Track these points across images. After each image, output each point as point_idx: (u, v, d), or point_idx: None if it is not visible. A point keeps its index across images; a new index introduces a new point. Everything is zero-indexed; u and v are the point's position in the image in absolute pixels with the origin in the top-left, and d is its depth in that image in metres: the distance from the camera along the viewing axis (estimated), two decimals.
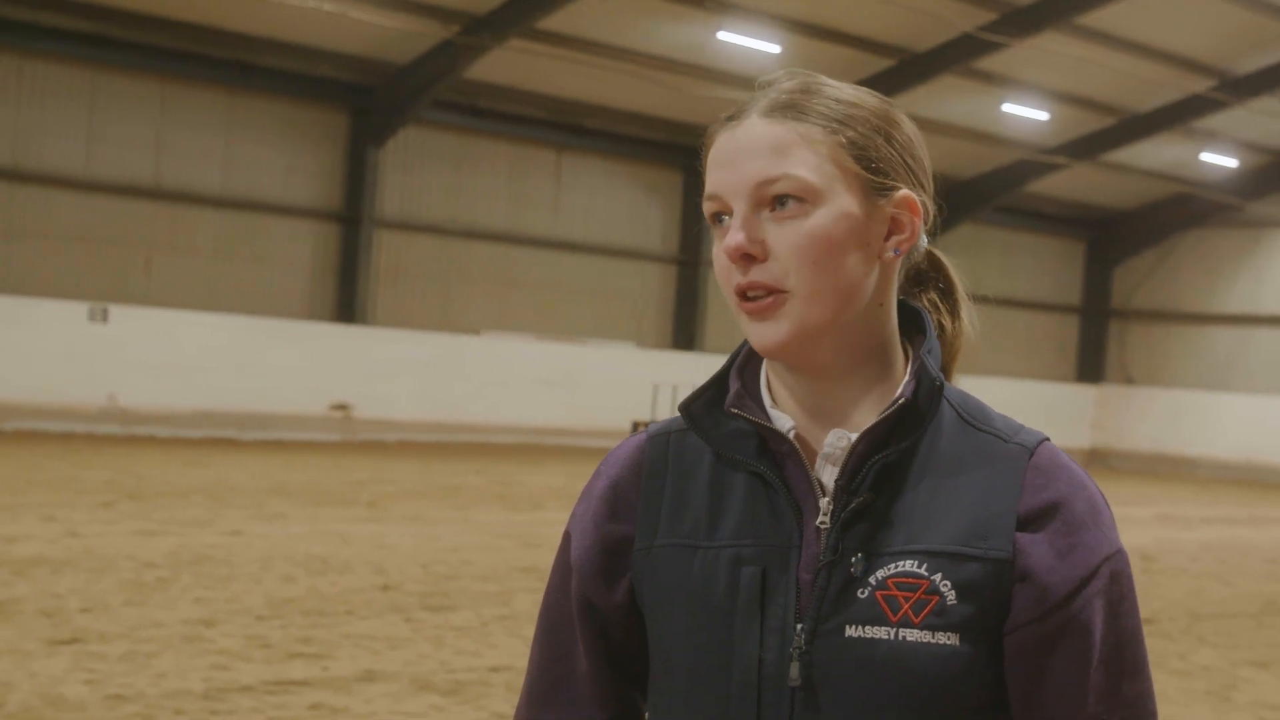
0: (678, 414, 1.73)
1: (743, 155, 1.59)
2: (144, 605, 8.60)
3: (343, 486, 16.34)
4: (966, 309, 1.83)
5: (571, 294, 27.75)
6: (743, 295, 1.58)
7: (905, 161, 1.65)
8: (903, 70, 26.09)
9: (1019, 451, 1.61)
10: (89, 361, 21.66)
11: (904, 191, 1.63)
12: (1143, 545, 15.64)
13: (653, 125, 27.96)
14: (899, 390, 1.61)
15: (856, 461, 1.59)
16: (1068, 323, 36.50)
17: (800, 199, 1.57)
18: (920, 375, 1.63)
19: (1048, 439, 1.65)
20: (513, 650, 8.13)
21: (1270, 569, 14.71)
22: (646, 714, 1.75)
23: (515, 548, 12.13)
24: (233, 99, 23.87)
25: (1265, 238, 34.24)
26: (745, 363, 1.71)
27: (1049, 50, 25.77)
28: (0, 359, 21.04)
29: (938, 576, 1.55)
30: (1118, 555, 1.61)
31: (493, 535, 12.93)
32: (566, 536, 1.74)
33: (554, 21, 23.25)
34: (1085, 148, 30.54)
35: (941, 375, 1.64)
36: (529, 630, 8.65)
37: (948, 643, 1.54)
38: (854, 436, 1.60)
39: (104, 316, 21.82)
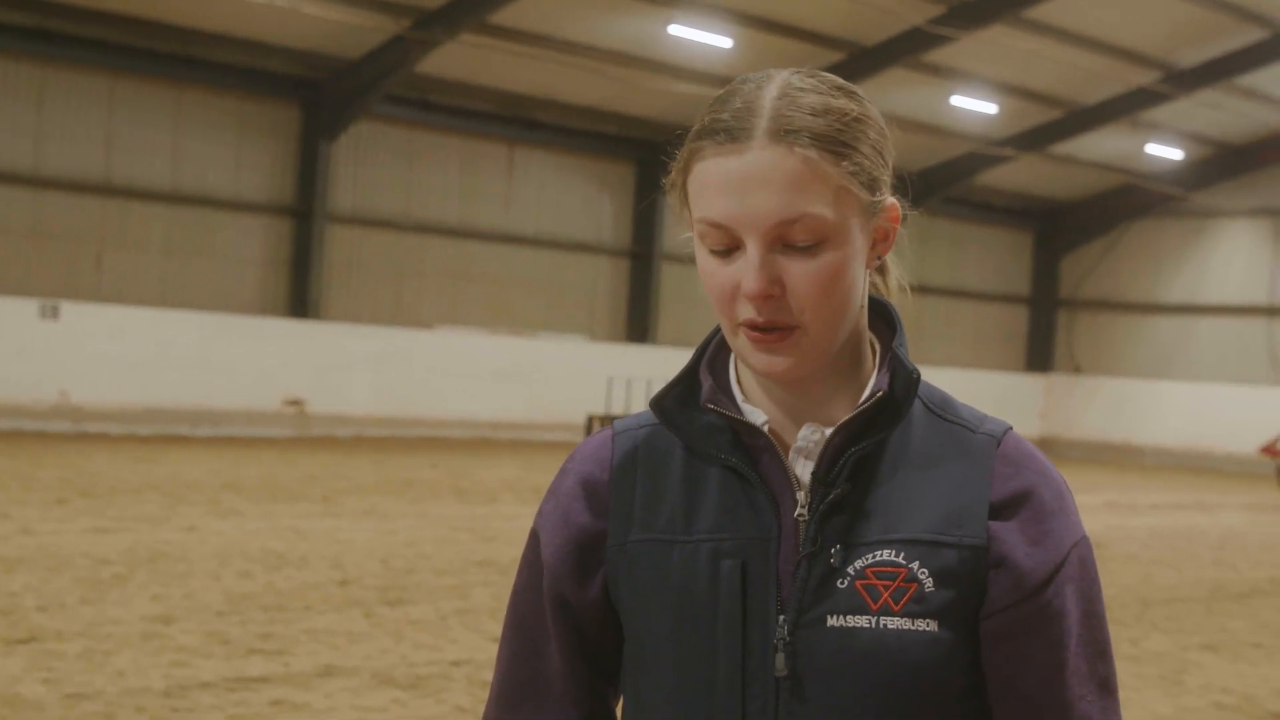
0: (644, 410, 1.76)
1: (755, 187, 1.55)
2: (101, 603, 8.58)
3: (297, 482, 16.30)
4: (896, 285, 1.86)
5: (524, 288, 27.74)
6: (751, 325, 1.58)
7: (890, 167, 1.66)
8: (852, 64, 26.21)
9: (987, 441, 1.65)
10: (40, 358, 21.50)
11: (891, 201, 1.65)
12: (1093, 532, 15.67)
13: (604, 119, 27.98)
14: (874, 383, 1.64)
15: (833, 454, 1.62)
16: (1016, 313, 36.78)
17: (817, 237, 1.56)
18: (895, 368, 1.66)
19: (1011, 428, 1.69)
20: (472, 644, 8.16)
21: (1217, 554, 14.92)
22: (620, 710, 1.75)
23: (472, 541, 12.15)
24: (182, 94, 23.72)
25: (1209, 228, 34.63)
26: (714, 357, 1.72)
27: (997, 43, 25.98)
28: None
29: (915, 564, 1.58)
30: (1084, 541, 1.66)
31: (449, 529, 12.94)
32: (535, 535, 1.74)
33: (505, 16, 23.23)
34: (1033, 140, 30.80)
35: (917, 368, 1.66)
36: (488, 624, 8.69)
37: (927, 629, 1.57)
38: (828, 430, 1.63)
39: (55, 313, 21.66)
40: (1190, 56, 27.80)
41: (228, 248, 24.32)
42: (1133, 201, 34.73)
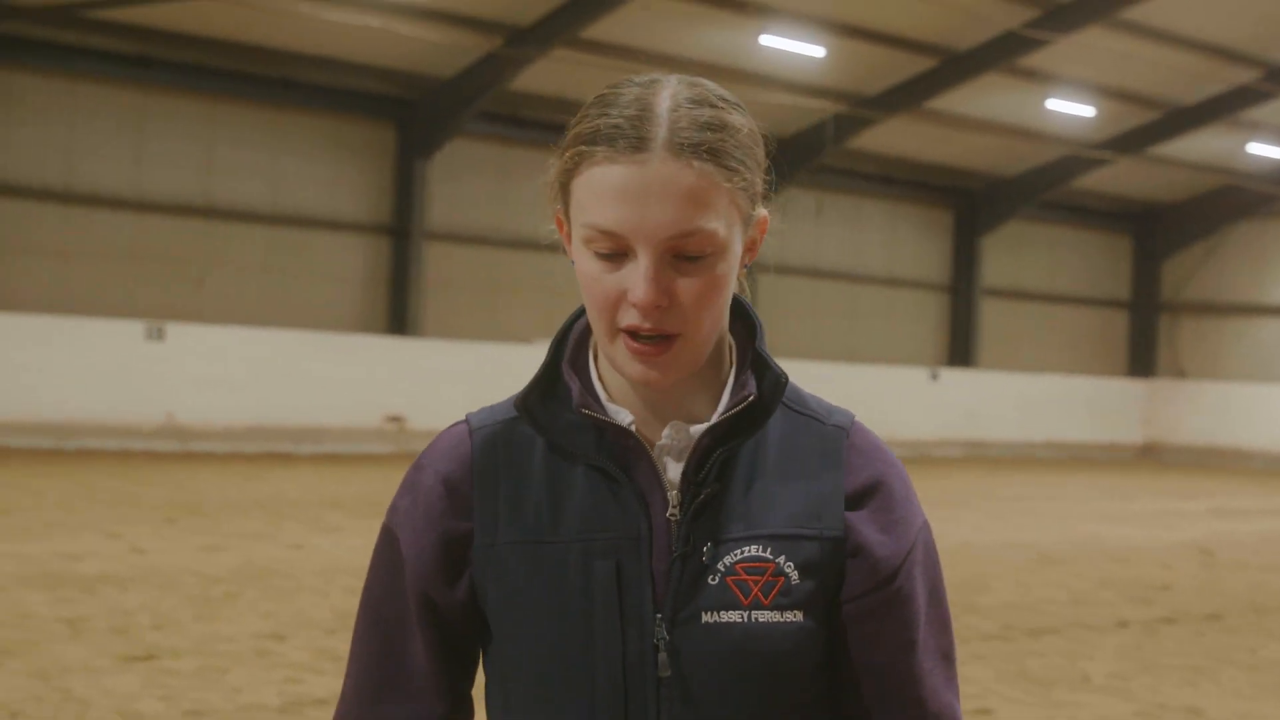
0: (495, 404, 1.77)
1: (653, 199, 1.55)
2: (213, 620, 8.69)
3: None
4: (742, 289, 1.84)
5: None
6: (632, 333, 1.59)
7: (767, 182, 1.69)
8: (945, 70, 26.05)
9: (837, 433, 1.72)
10: (146, 380, 21.87)
11: (764, 214, 1.69)
12: (1200, 539, 15.54)
13: None
14: (735, 383, 1.68)
15: (702, 454, 1.65)
16: (1116, 317, 36.27)
17: (709, 250, 1.58)
18: (761, 370, 1.70)
19: (855, 417, 1.76)
20: None
21: None
22: (487, 709, 1.76)
23: None
24: (279, 115, 24.06)
25: None
26: (574, 355, 1.73)
27: (1093, 45, 25.66)
28: (59, 379, 21.26)
29: (781, 558, 1.64)
30: (926, 525, 1.75)
31: None
32: (390, 532, 1.73)
33: (597, 30, 23.32)
34: (1131, 142, 30.38)
35: (784, 371, 1.70)
36: None
37: (794, 619, 1.63)
38: (693, 429, 1.66)
39: (160, 335, 22.03)
40: None
41: (326, 267, 24.62)
42: (1234, 202, 34.14)
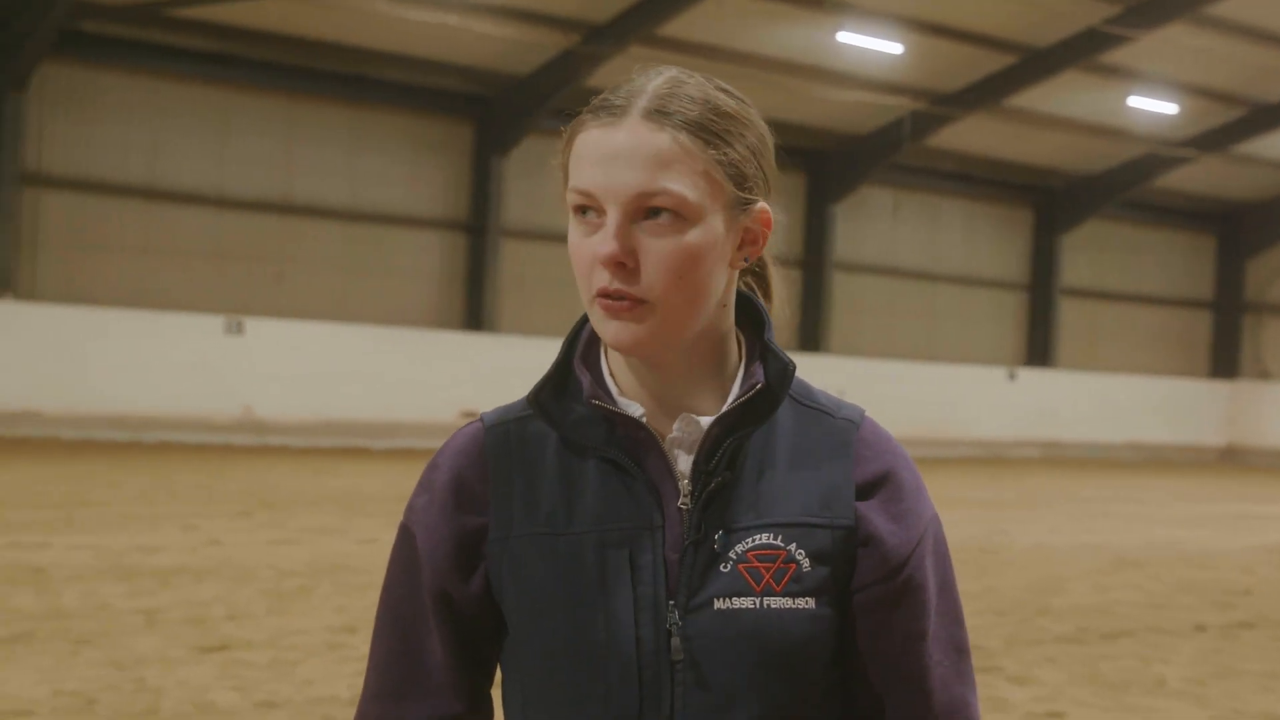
0: (509, 402, 1.82)
1: (622, 160, 1.61)
2: (286, 613, 8.76)
3: None
4: (778, 293, 1.88)
5: None
6: (603, 294, 1.63)
7: (765, 173, 1.71)
8: (1026, 66, 25.80)
9: (847, 425, 1.75)
10: (224, 374, 22.13)
11: (761, 205, 1.70)
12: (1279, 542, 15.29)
13: (774, 129, 27.68)
14: (745, 373, 1.72)
15: (712, 444, 1.68)
16: (1198, 318, 35.79)
17: (676, 214, 1.61)
18: (769, 359, 1.73)
19: (865, 411, 1.78)
20: None
21: None
22: (504, 702, 1.77)
23: None
24: (358, 113, 24.26)
25: None
26: (585, 351, 1.76)
27: (1176, 42, 25.33)
28: (139, 372, 21.56)
29: (793, 546, 1.67)
30: (936, 518, 1.77)
31: None
32: (407, 530, 1.76)
33: (674, 27, 23.31)
34: (1214, 140, 29.95)
35: (792, 360, 1.72)
36: None
37: (806, 606, 1.66)
38: (703, 420, 1.69)
39: (239, 329, 22.28)
40: None
41: (403, 263, 24.80)
42: None
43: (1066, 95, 27.17)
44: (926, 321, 31.56)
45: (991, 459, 30.15)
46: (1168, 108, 28.19)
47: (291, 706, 6.65)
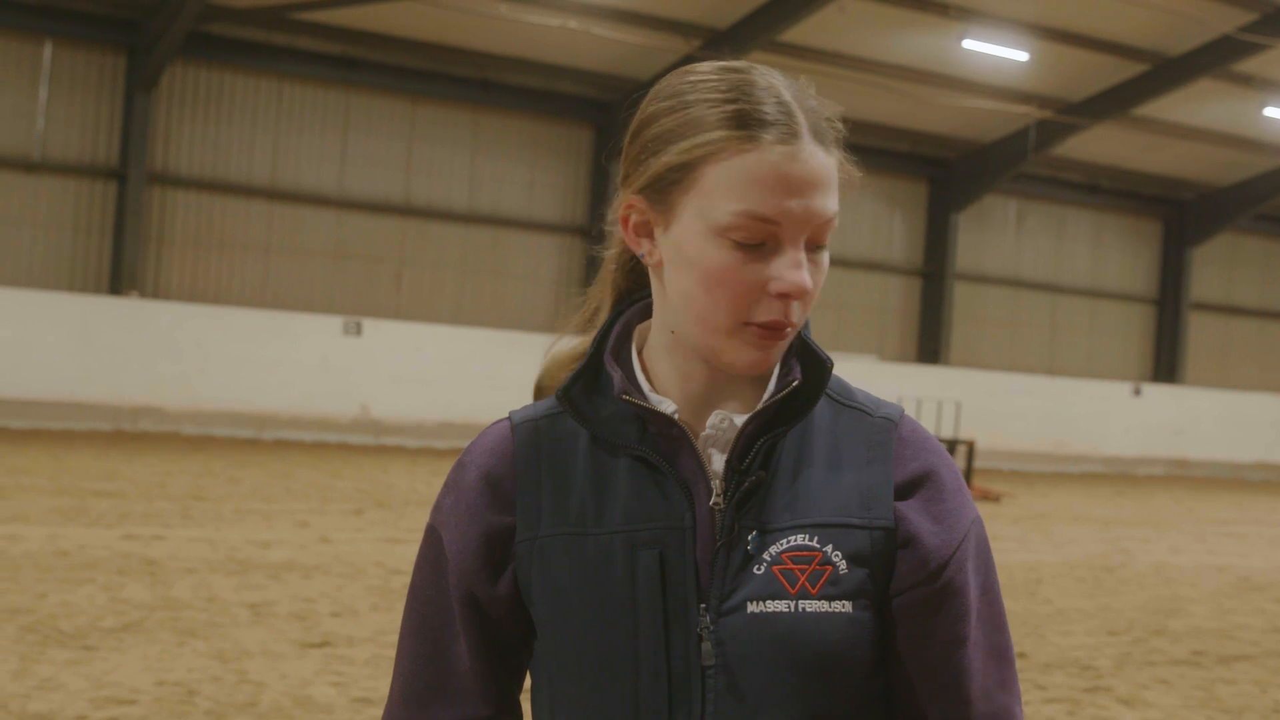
0: (539, 401, 1.76)
1: (810, 188, 1.55)
2: (390, 611, 8.80)
3: None
4: None
5: (817, 307, 27.48)
6: (773, 326, 1.57)
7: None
8: (1157, 75, 25.29)
9: (886, 424, 1.68)
10: (343, 373, 22.39)
11: None
12: None
13: (896, 135, 27.66)
14: (791, 373, 1.65)
15: (746, 442, 1.62)
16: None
17: (827, 242, 1.61)
18: (807, 357, 1.67)
19: (904, 410, 1.71)
20: None
21: None
22: (533, 704, 1.72)
23: None
24: (478, 116, 24.44)
25: None
26: (617, 348, 1.70)
27: None
28: (260, 370, 21.89)
29: (829, 548, 1.60)
30: (978, 520, 1.70)
31: None
32: (434, 531, 1.71)
33: (796, 33, 23.18)
34: None
35: (830, 358, 1.67)
36: None
37: (843, 610, 1.59)
38: (738, 418, 1.63)
39: (358, 330, 22.53)
40: None
41: (520, 266, 24.93)
42: None
43: (1199, 104, 26.58)
44: (1051, 334, 31.06)
45: (1116, 475, 29.57)
46: None
47: None
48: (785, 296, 1.56)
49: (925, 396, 25.14)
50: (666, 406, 1.64)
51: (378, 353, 22.68)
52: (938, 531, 1.64)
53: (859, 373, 27.17)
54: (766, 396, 1.64)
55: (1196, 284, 32.46)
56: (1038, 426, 28.67)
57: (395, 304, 23.79)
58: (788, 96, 1.58)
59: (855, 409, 1.69)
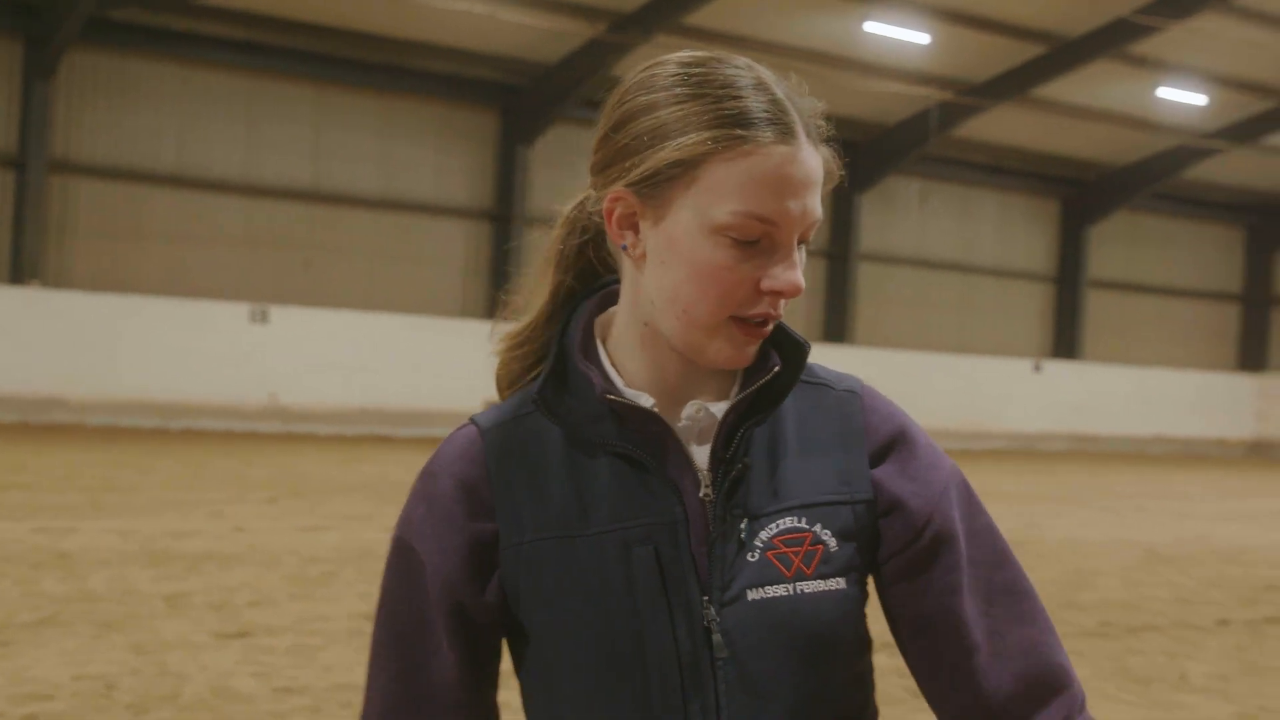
0: (500, 404, 1.73)
1: (806, 189, 1.57)
2: (310, 599, 8.77)
3: None
4: None
5: None
6: (761, 320, 1.60)
7: None
8: (1055, 57, 25.66)
9: (850, 397, 1.71)
10: (251, 361, 22.19)
11: None
12: None
13: None
14: (770, 359, 1.66)
15: (729, 431, 1.63)
16: (1228, 311, 35.60)
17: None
18: (783, 341, 1.68)
19: (861, 380, 1.74)
20: None
21: None
22: (538, 713, 1.70)
23: None
24: (386, 102, 24.29)
25: None
26: (584, 345, 1.68)
27: (1207, 32, 25.15)
28: (167, 360, 21.64)
29: (818, 526, 1.63)
30: (954, 469, 1.73)
31: None
32: (405, 544, 1.68)
33: (700, 17, 23.26)
34: (1245, 132, 29.76)
35: (806, 340, 1.68)
36: None
37: (839, 587, 1.62)
38: (714, 408, 1.64)
39: (264, 317, 22.33)
40: None
41: (430, 251, 24.83)
42: None
43: (1096, 86, 27.02)
44: (957, 313, 31.45)
45: (1020, 451, 30.03)
46: (1197, 99, 28.02)
47: (311, 693, 6.65)
48: (778, 295, 1.58)
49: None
50: (645, 401, 1.63)
51: (286, 340, 22.49)
52: (916, 490, 1.67)
53: None
54: (744, 384, 1.65)
55: (1095, 262, 33.01)
56: (944, 404, 29.03)
57: (304, 290, 23.60)
58: (780, 94, 1.60)
59: (819, 385, 1.72)
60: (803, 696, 1.61)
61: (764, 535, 1.62)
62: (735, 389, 1.66)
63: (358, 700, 6.57)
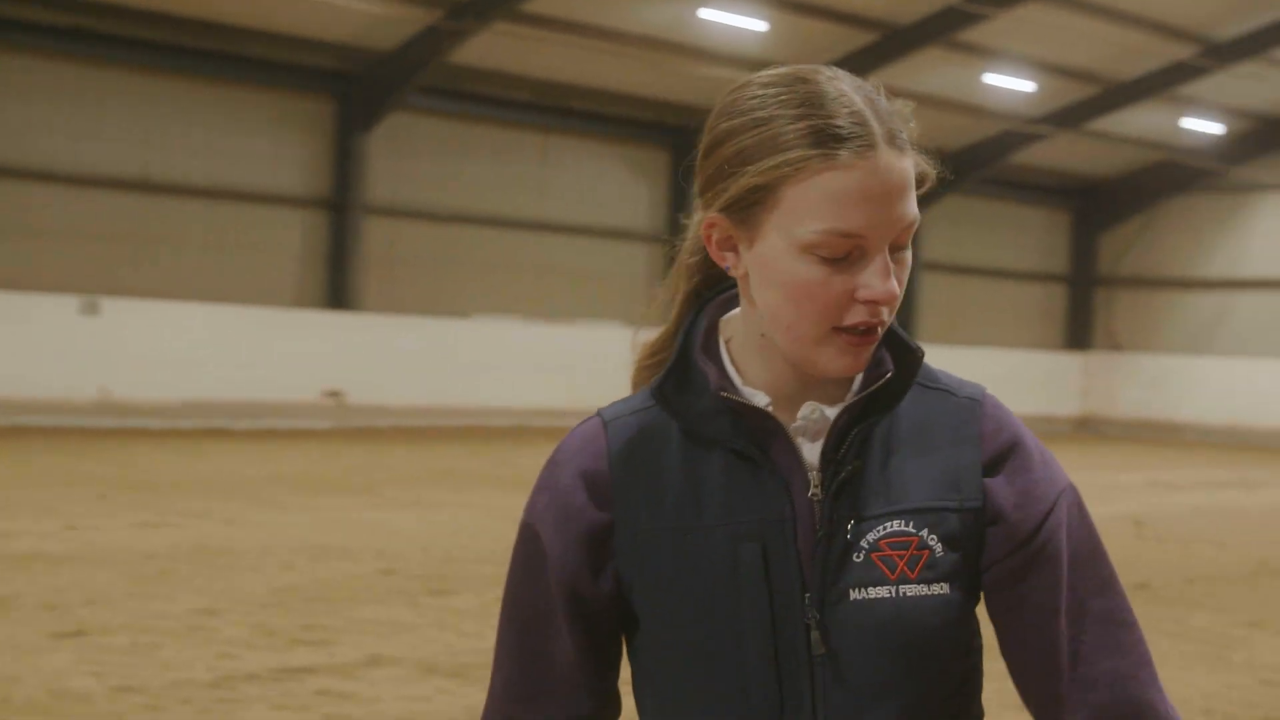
0: (626, 397, 1.79)
1: (890, 197, 1.58)
2: (146, 597, 8.65)
3: (339, 473, 16.38)
4: None
5: (561, 276, 27.77)
6: (863, 329, 1.61)
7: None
8: (886, 44, 26.13)
9: (970, 404, 1.73)
10: (81, 355, 21.66)
11: None
12: (1134, 511, 15.72)
13: (639, 105, 27.96)
14: (883, 364, 1.69)
15: (840, 433, 1.66)
16: (1055, 292, 36.58)
17: (910, 241, 1.64)
18: (897, 347, 1.71)
19: (986, 389, 1.77)
20: None
21: (1262, 531, 14.81)
22: (636, 700, 1.76)
23: (514, 529, 12.10)
24: (219, 90, 23.83)
25: (1248, 203, 34.36)
26: (705, 344, 1.73)
27: (1032, 20, 25.82)
28: None
29: (924, 532, 1.65)
30: (1070, 488, 1.73)
31: (491, 517, 12.99)
32: (531, 529, 1.74)
33: (537, 4, 23.23)
34: (1070, 117, 30.60)
35: (920, 347, 1.72)
36: None
37: (941, 592, 1.65)
38: (828, 409, 1.67)
39: (95, 309, 21.82)
40: (1228, 29, 27.55)
41: (266, 241, 24.45)
42: (1171, 177, 34.47)
43: (926, 72, 27.55)
44: None
45: None
46: (1024, 85, 28.72)
47: (150, 690, 6.57)
48: (874, 304, 1.59)
49: None
50: (760, 400, 1.67)
51: (117, 333, 21.98)
52: (1024, 504, 1.68)
53: (605, 340, 27.49)
54: (857, 388, 1.68)
55: (927, 245, 33.69)
56: None
57: (136, 283, 23.07)
58: (860, 104, 1.60)
59: (939, 390, 1.74)
60: (901, 697, 1.64)
61: (870, 537, 1.64)
62: (850, 393, 1.69)
63: (197, 696, 6.51)
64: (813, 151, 1.58)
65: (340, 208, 24.94)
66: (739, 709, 1.65)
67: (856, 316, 1.60)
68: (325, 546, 10.84)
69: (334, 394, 24.01)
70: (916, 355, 1.70)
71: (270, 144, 24.48)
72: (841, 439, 1.66)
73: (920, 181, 1.65)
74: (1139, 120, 31.29)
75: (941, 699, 1.67)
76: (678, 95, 27.62)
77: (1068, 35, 26.84)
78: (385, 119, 24.87)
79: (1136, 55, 28.17)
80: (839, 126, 1.58)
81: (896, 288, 1.59)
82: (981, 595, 1.73)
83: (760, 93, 1.64)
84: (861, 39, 26.19)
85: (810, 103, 1.60)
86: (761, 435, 1.66)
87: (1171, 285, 35.43)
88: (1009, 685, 1.77)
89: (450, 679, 7.05)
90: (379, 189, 25.49)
